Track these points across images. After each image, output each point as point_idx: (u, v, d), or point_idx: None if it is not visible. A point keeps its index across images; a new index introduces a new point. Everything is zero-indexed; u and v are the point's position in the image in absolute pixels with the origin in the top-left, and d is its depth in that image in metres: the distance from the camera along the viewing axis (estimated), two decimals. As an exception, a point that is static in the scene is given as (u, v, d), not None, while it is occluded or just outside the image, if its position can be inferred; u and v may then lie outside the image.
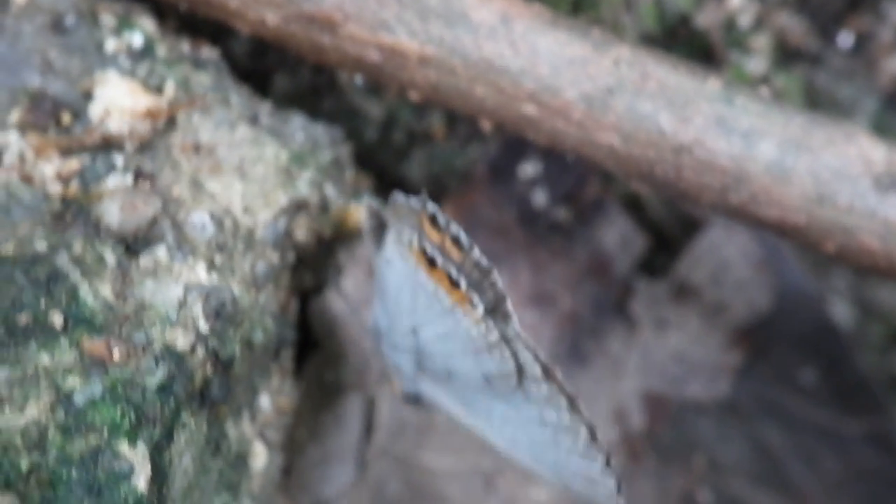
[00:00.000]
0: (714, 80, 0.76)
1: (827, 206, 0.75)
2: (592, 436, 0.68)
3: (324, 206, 0.77)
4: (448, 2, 0.75)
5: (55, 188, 0.70)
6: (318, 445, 0.81)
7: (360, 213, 0.72)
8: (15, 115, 0.72)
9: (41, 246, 0.67)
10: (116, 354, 0.65)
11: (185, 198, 0.72)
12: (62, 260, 0.67)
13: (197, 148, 0.74)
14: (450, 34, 0.75)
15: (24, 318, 0.65)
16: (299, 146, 0.77)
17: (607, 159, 0.77)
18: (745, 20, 0.89)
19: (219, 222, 0.72)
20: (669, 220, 0.90)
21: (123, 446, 0.63)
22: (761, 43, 0.89)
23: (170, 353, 0.66)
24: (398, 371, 0.74)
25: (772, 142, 0.75)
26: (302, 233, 0.76)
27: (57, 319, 0.65)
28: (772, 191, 0.75)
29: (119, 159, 0.72)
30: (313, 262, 0.80)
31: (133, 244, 0.69)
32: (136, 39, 0.77)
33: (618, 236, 0.87)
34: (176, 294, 0.68)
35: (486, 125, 0.78)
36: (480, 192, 0.86)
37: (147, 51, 0.77)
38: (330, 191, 0.78)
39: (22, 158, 0.71)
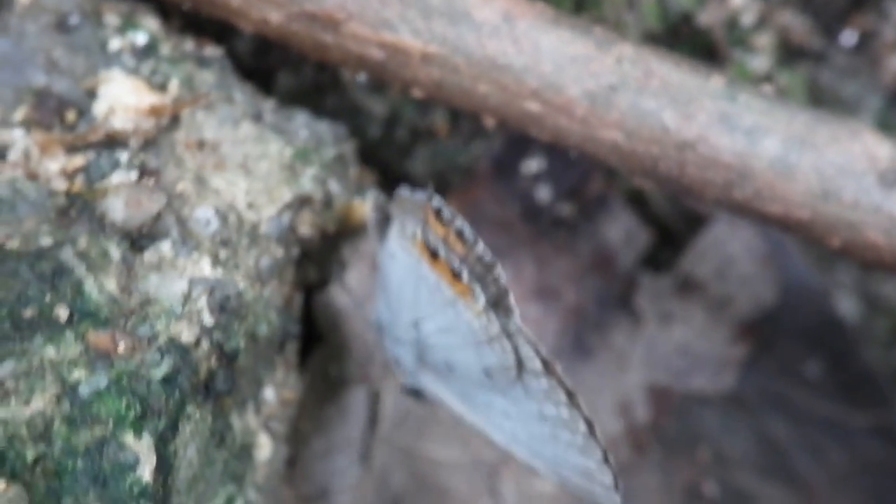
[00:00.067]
0: (717, 78, 0.76)
1: (831, 202, 0.75)
2: (591, 431, 0.68)
3: (327, 202, 0.77)
4: (451, 0, 0.76)
5: (60, 184, 0.70)
6: (322, 437, 0.81)
7: (365, 207, 0.72)
8: (20, 113, 0.73)
9: (46, 241, 0.67)
10: (121, 347, 0.65)
11: (189, 194, 0.72)
12: (67, 255, 0.67)
13: (201, 145, 0.75)
14: (453, 32, 0.75)
15: (29, 312, 0.65)
16: (303, 143, 0.78)
17: (611, 156, 0.77)
18: (748, 18, 0.89)
19: (223, 218, 0.72)
20: (673, 215, 0.90)
21: (129, 438, 0.63)
22: (764, 41, 0.89)
23: (175, 345, 0.66)
24: (399, 365, 0.74)
25: (775, 138, 0.75)
26: (306, 228, 0.76)
27: (62, 313, 0.65)
28: (776, 187, 0.75)
29: (123, 156, 0.72)
30: (317, 256, 0.80)
31: (138, 239, 0.69)
32: (140, 38, 0.78)
33: (621, 231, 0.87)
34: (181, 288, 0.68)
35: (489, 122, 0.78)
36: (484, 188, 0.86)
37: (151, 49, 0.78)
38: (334, 187, 0.78)
39: (27, 155, 0.71)
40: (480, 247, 0.68)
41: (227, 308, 0.69)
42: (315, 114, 0.81)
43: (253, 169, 0.75)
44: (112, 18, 0.78)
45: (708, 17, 0.89)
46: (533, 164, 0.87)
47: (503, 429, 0.71)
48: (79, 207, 0.70)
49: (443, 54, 0.76)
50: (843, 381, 0.86)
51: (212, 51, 0.80)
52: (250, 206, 0.73)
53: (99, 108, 0.74)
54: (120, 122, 0.73)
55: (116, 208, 0.70)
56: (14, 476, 0.62)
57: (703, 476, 0.85)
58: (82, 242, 0.68)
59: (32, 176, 0.70)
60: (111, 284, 0.67)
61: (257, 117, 0.77)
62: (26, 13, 0.76)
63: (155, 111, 0.74)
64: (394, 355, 0.74)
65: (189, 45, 0.80)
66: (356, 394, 0.82)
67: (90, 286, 0.67)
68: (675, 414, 0.86)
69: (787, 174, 0.75)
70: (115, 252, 0.68)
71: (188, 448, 0.67)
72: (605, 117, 0.76)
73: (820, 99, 0.90)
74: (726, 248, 0.87)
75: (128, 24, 0.78)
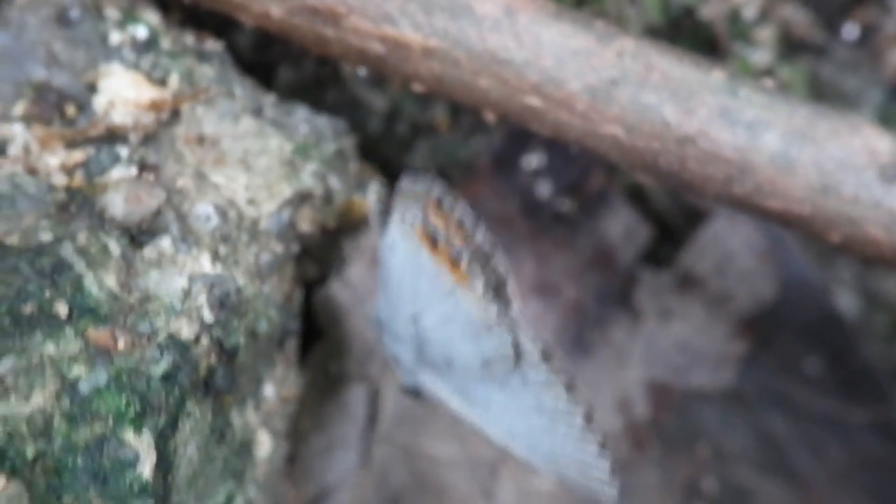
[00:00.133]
0: (718, 72, 0.76)
1: (832, 197, 0.75)
2: (589, 420, 0.68)
3: (328, 198, 0.77)
4: (452, -6, 0.76)
5: (60, 179, 0.70)
6: (322, 434, 0.81)
7: (367, 198, 0.72)
8: (20, 108, 0.73)
9: (46, 237, 0.67)
10: (121, 344, 0.65)
11: (189, 189, 0.72)
12: (67, 250, 0.67)
13: (201, 140, 0.74)
14: (454, 26, 0.75)
15: (29, 308, 0.65)
16: (303, 138, 0.77)
17: (611, 151, 0.77)
18: (749, 12, 0.89)
19: (223, 213, 0.72)
20: (673, 211, 0.90)
21: (128, 434, 0.63)
22: (766, 35, 0.89)
23: (174, 342, 0.66)
24: (398, 363, 0.74)
25: (776, 133, 0.75)
26: (306, 224, 0.76)
27: (62, 309, 0.65)
28: (776, 182, 0.75)
29: (123, 151, 0.72)
30: (317, 252, 0.80)
31: (137, 235, 0.69)
32: (141, 32, 0.78)
33: (622, 227, 0.87)
34: (180, 284, 0.68)
35: (489, 117, 0.78)
36: (484, 183, 0.86)
37: (151, 43, 0.78)
38: (334, 182, 0.78)
39: (27, 150, 0.71)
40: (481, 235, 0.68)
41: (226, 305, 0.69)
42: (315, 108, 0.81)
43: (253, 164, 0.75)
44: (112, 12, 0.78)
45: (709, 11, 0.88)
46: (533, 160, 0.87)
47: (501, 424, 0.72)
48: (79, 203, 0.70)
49: (444, 48, 0.75)
50: (842, 378, 0.86)
51: (212, 45, 0.80)
52: (250, 201, 0.73)
53: (99, 102, 0.74)
54: (120, 117, 0.73)
55: (116, 204, 0.69)
56: (14, 473, 0.62)
57: (703, 472, 0.85)
58: (82, 238, 0.68)
59: (32, 171, 0.70)
60: (111, 280, 0.67)
61: (257, 112, 0.77)
62: (26, 6, 0.76)
63: (155, 106, 0.74)
64: (393, 353, 0.74)
65: (189, 39, 0.79)
66: (356, 391, 0.82)
67: (90, 282, 0.67)
68: (674, 410, 0.86)
69: (788, 169, 0.75)
70: (115, 248, 0.68)
71: (188, 445, 0.67)
72: (605, 112, 0.75)
73: (821, 93, 0.90)
74: (726, 243, 0.87)
75: (128, 18, 0.78)
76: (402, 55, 0.76)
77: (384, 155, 0.88)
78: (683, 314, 0.87)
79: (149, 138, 0.74)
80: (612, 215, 0.87)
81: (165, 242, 0.69)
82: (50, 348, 0.64)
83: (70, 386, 0.63)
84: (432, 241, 0.68)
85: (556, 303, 0.86)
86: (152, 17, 0.79)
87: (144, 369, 0.65)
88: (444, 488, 0.83)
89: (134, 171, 0.72)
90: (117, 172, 0.71)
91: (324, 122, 0.79)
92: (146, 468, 0.63)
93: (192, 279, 0.69)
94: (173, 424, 0.65)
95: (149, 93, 0.74)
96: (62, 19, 0.76)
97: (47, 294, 0.66)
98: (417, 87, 0.77)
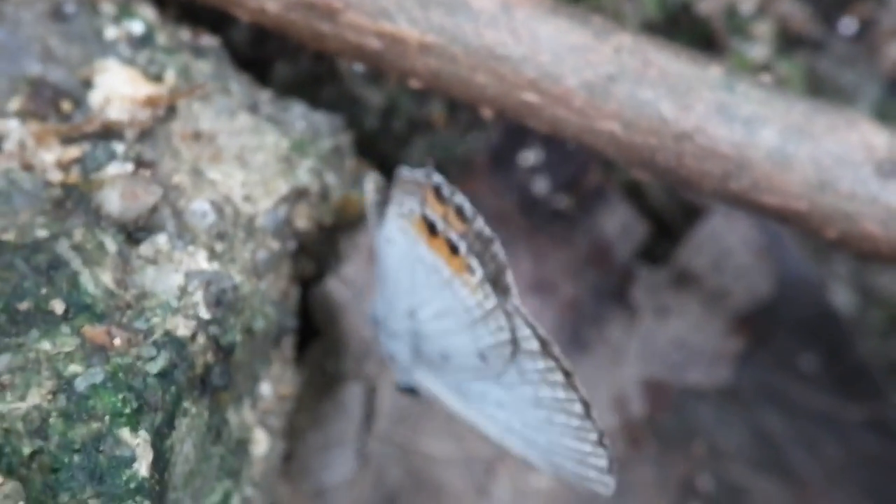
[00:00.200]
0: (715, 68, 0.76)
1: (828, 193, 0.75)
2: (587, 412, 0.68)
3: (324, 194, 0.77)
4: (448, -11, 0.76)
5: (56, 176, 0.70)
6: (319, 432, 0.81)
7: (365, 187, 0.72)
8: (15, 103, 0.72)
9: (42, 233, 0.67)
10: (117, 341, 0.65)
11: (185, 186, 0.72)
12: (63, 247, 0.67)
13: (197, 136, 0.74)
14: (450, 22, 0.75)
15: (25, 305, 0.65)
16: (300, 134, 0.77)
17: (608, 147, 0.77)
18: (746, 7, 0.89)
19: (219, 210, 0.72)
20: (670, 207, 0.90)
21: (125, 432, 0.63)
22: (763, 30, 0.89)
23: (171, 340, 0.66)
24: (394, 361, 0.74)
25: (773, 129, 0.75)
26: (302, 221, 0.76)
27: (58, 306, 0.65)
28: (773, 178, 0.75)
29: (119, 147, 0.72)
30: (314, 249, 0.80)
31: (134, 232, 0.69)
32: (136, 27, 0.77)
33: (618, 224, 0.87)
34: (177, 281, 0.68)
35: (486, 113, 0.78)
36: (481, 179, 0.86)
37: (147, 39, 0.77)
38: (330, 179, 0.78)
39: (22, 146, 0.71)
40: (479, 223, 0.68)
41: (223, 302, 0.69)
42: (312, 105, 0.81)
43: (249, 161, 0.74)
44: (108, 7, 0.78)
45: (707, 6, 0.88)
46: (530, 156, 0.87)
47: (497, 420, 0.71)
48: (74, 199, 0.70)
49: (440, 44, 0.75)
50: (838, 375, 0.86)
51: (208, 40, 0.80)
52: (246, 198, 0.73)
53: (95, 98, 0.74)
54: (116, 113, 0.73)
55: (112, 200, 0.69)
56: (10, 471, 0.62)
57: (698, 470, 0.85)
58: (78, 235, 0.68)
59: (27, 167, 0.70)
60: (107, 278, 0.67)
61: (254, 108, 0.77)
62: (21, 1, 0.76)
63: (151, 102, 0.74)
64: (389, 351, 0.74)
65: (185, 34, 0.79)
66: (353, 389, 0.82)
67: (86, 279, 0.66)
68: (670, 408, 0.86)
69: (785, 165, 0.75)
70: (111, 245, 0.68)
71: (184, 443, 0.67)
72: (602, 108, 0.75)
73: (818, 88, 0.90)
74: (723, 240, 0.87)
75: (124, 13, 0.78)
76: (398, 51, 0.76)
77: (381, 151, 0.88)
78: (680, 311, 0.87)
79: (145, 134, 0.73)
80: (609, 212, 0.87)
81: (162, 239, 0.69)
82: (46, 346, 0.64)
83: (66, 383, 0.63)
84: (430, 230, 0.68)
85: (552, 300, 0.86)
86: (148, 12, 0.79)
87: (141, 367, 0.64)
88: (440, 486, 0.83)
89: (130, 167, 0.71)
90: (113, 169, 0.71)
91: (320, 118, 0.79)
92: (142, 466, 0.63)
93: (188, 276, 0.68)
94: (170, 422, 0.65)
95: (145, 88, 0.74)
96: (57, 14, 0.76)
97: (43, 291, 0.66)
98: (414, 84, 0.77)
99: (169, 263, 0.69)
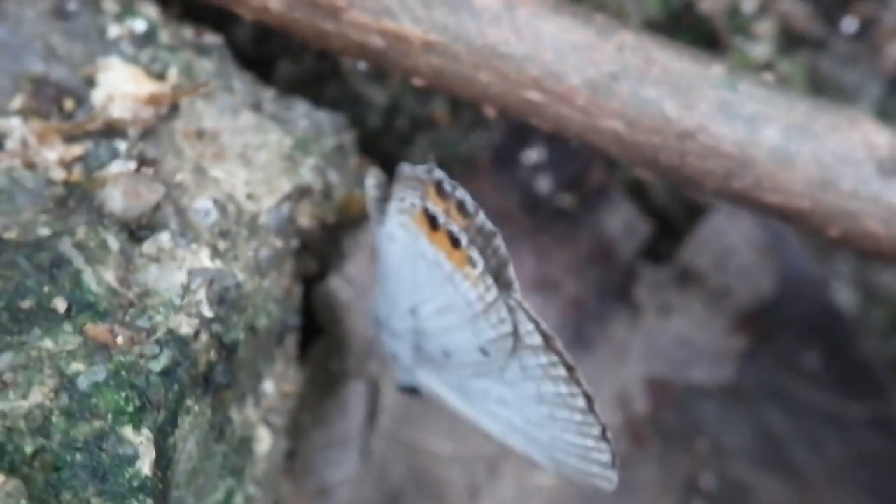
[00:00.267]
0: (718, 66, 0.76)
1: (831, 191, 0.75)
2: (590, 406, 0.68)
3: (327, 193, 0.77)
4: (452, -12, 0.76)
5: (58, 174, 0.70)
6: (322, 430, 0.81)
7: (366, 183, 0.72)
8: (18, 101, 0.72)
9: (44, 231, 0.67)
10: (120, 339, 0.65)
11: (188, 184, 0.72)
12: (65, 245, 0.67)
13: (200, 134, 0.74)
14: (454, 20, 0.75)
15: (27, 304, 0.65)
16: (303, 133, 0.77)
17: (611, 145, 0.77)
18: (748, 6, 0.89)
19: (222, 208, 0.72)
20: (673, 205, 0.91)
21: (128, 431, 0.63)
22: (765, 28, 0.89)
23: (174, 338, 0.66)
24: (396, 361, 0.74)
25: (776, 127, 0.75)
26: (306, 219, 0.76)
27: (60, 305, 0.65)
28: (776, 176, 0.75)
29: (122, 145, 0.72)
30: (317, 248, 0.80)
31: (136, 230, 0.69)
32: (139, 25, 0.77)
33: (622, 222, 0.87)
34: (180, 280, 0.68)
35: (489, 111, 0.78)
36: (484, 178, 0.86)
37: (150, 37, 0.77)
38: (334, 177, 0.78)
39: (25, 144, 0.71)
40: (481, 217, 0.68)
41: (226, 300, 0.69)
42: (315, 103, 0.81)
43: (252, 159, 0.74)
44: (110, 5, 0.78)
45: (709, 5, 0.88)
46: (533, 154, 0.87)
47: (499, 418, 0.71)
48: (77, 197, 0.70)
49: (443, 42, 0.75)
50: (841, 373, 0.87)
51: (211, 39, 0.80)
52: (250, 196, 0.73)
53: (97, 96, 0.73)
54: (118, 111, 0.73)
55: (115, 198, 0.69)
56: (13, 469, 0.62)
57: (701, 468, 0.85)
58: (80, 233, 0.68)
59: (30, 165, 0.70)
60: (110, 276, 0.67)
61: (257, 106, 0.77)
62: (24, -1, 0.76)
63: (154, 100, 0.74)
64: (391, 351, 0.74)
65: (188, 32, 0.79)
66: (356, 387, 0.82)
67: (88, 277, 0.66)
68: (673, 406, 0.86)
69: (787, 163, 0.75)
70: (114, 243, 0.68)
71: (187, 441, 0.67)
72: (605, 106, 0.75)
73: (820, 86, 0.90)
74: (725, 238, 0.87)
75: (126, 11, 0.78)
76: (401, 49, 0.76)
77: (384, 150, 0.88)
78: (683, 309, 0.87)
79: (148, 132, 0.73)
80: (612, 210, 0.87)
81: (164, 237, 0.69)
82: (48, 344, 0.64)
83: (69, 382, 0.63)
84: (431, 223, 0.67)
85: (555, 298, 0.86)
86: (151, 10, 0.78)
87: (143, 365, 0.64)
88: (444, 484, 0.83)
89: (133, 165, 0.71)
90: (116, 167, 0.71)
91: (323, 116, 0.79)
92: (145, 464, 0.63)
93: (191, 274, 0.68)
94: (172, 420, 0.65)
95: (147, 87, 0.74)
96: (60, 12, 0.76)
97: (46, 289, 0.66)
98: (417, 82, 0.77)
99: (172, 261, 0.69)
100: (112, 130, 0.73)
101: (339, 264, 0.81)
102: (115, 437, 0.63)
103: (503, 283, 0.68)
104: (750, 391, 0.86)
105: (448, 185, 0.68)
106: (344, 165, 0.79)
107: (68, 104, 0.73)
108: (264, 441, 0.75)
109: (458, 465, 0.83)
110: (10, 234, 0.67)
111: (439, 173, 0.68)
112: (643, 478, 0.85)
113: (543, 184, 0.87)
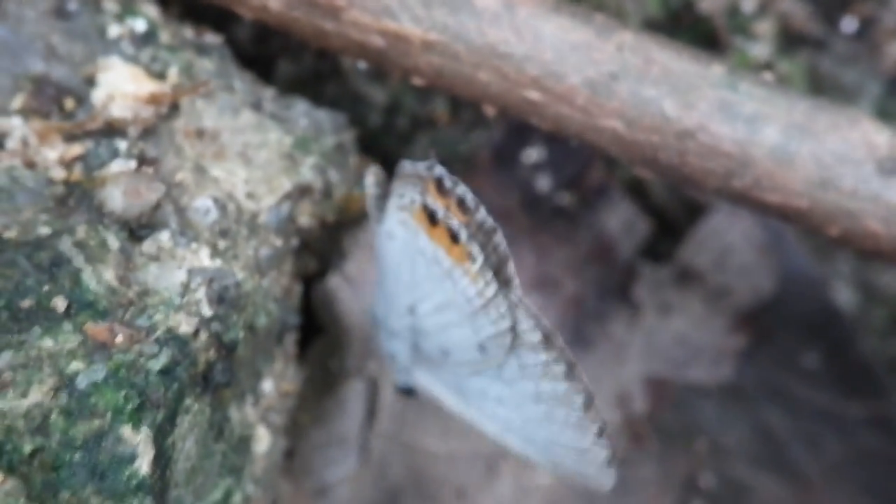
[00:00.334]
0: (718, 66, 0.76)
1: (830, 191, 0.75)
2: (588, 404, 0.68)
3: (327, 192, 0.77)
4: (451, -12, 0.76)
5: (58, 173, 0.70)
6: (321, 429, 0.81)
7: (366, 181, 0.72)
8: (18, 101, 0.72)
9: (44, 230, 0.67)
10: (119, 338, 0.65)
11: (188, 183, 0.72)
12: (65, 245, 0.67)
13: (200, 133, 0.74)
14: (453, 20, 0.75)
15: (27, 303, 0.65)
16: (303, 132, 0.77)
17: (611, 144, 0.77)
18: (748, 5, 0.89)
19: (222, 207, 0.72)
20: (673, 205, 0.91)
21: (126, 430, 0.63)
22: (765, 28, 0.89)
23: (173, 337, 0.66)
24: (394, 361, 0.74)
25: (775, 127, 0.75)
26: (305, 218, 0.76)
27: (60, 304, 0.65)
28: (775, 175, 0.75)
29: (122, 144, 0.72)
30: (317, 247, 0.80)
31: (136, 229, 0.69)
32: (140, 25, 0.77)
33: (621, 221, 0.87)
34: (179, 279, 0.68)
35: (489, 111, 0.78)
36: (484, 177, 0.86)
37: (150, 36, 0.77)
38: (334, 176, 0.78)
39: (25, 143, 0.71)
40: (482, 213, 0.68)
41: (225, 299, 0.69)
42: (315, 102, 0.81)
43: (252, 158, 0.74)
44: (111, 5, 0.78)
45: (709, 5, 0.88)
46: (533, 153, 0.87)
47: (497, 418, 0.71)
48: (77, 196, 0.70)
49: (443, 42, 0.75)
50: (840, 372, 0.87)
51: (211, 38, 0.80)
52: (249, 195, 0.73)
53: (98, 95, 0.74)
54: (119, 110, 0.73)
55: (115, 197, 0.69)
56: (11, 469, 0.62)
57: (701, 467, 0.85)
58: (80, 232, 0.68)
59: (30, 164, 0.70)
60: (109, 275, 0.67)
61: (257, 106, 0.77)
62: (25, -1, 0.76)
63: (154, 99, 0.74)
64: (389, 351, 0.74)
65: (188, 32, 0.79)
66: (355, 386, 0.82)
67: (88, 276, 0.66)
68: (672, 405, 0.86)
69: (787, 163, 0.75)
70: (114, 242, 0.68)
71: (186, 440, 0.67)
72: (605, 106, 0.75)
73: (820, 86, 0.90)
74: (725, 237, 0.87)
75: (127, 11, 0.78)
76: (401, 49, 0.76)
77: (384, 149, 0.88)
78: (682, 308, 0.87)
79: (148, 132, 0.73)
80: (612, 209, 0.87)
81: (164, 236, 0.69)
82: (48, 343, 0.64)
83: (68, 381, 0.63)
84: (431, 219, 0.67)
85: (555, 297, 0.86)
86: (151, 10, 0.79)
87: (143, 364, 0.64)
88: (442, 483, 0.83)
89: (133, 164, 0.71)
90: (116, 166, 0.71)
91: (323, 115, 0.79)
92: (144, 463, 0.63)
93: (191, 273, 0.68)
94: (172, 419, 0.65)
95: (148, 86, 0.74)
96: (60, 12, 0.76)
97: (45, 288, 0.66)
98: (417, 81, 0.77)
99: (171, 260, 0.69)
100: (112, 130, 0.73)
101: (339, 263, 0.81)
102: (114, 436, 0.63)
103: (503, 280, 0.68)
104: (749, 390, 0.86)
105: (449, 182, 0.68)
106: (344, 164, 0.79)
107: (69, 104, 0.73)
108: (263, 440, 0.75)
109: (457, 464, 0.83)
110: (11, 233, 0.67)
111: (440, 170, 0.68)
112: (642, 477, 0.85)
113: (543, 183, 0.87)
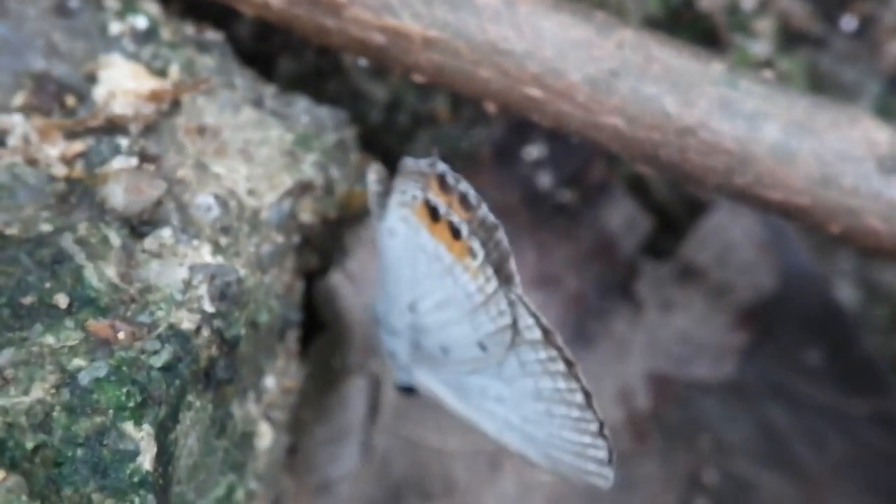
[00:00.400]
0: (718, 63, 0.76)
1: (831, 188, 0.75)
2: (588, 402, 0.68)
3: (329, 188, 0.77)
4: (452, -15, 0.76)
5: (60, 170, 0.70)
6: (323, 425, 0.81)
7: (367, 178, 0.72)
8: (19, 98, 0.73)
9: (46, 227, 0.67)
10: (122, 335, 0.65)
11: (190, 180, 0.72)
12: (67, 241, 0.67)
13: (202, 130, 0.74)
14: (454, 17, 0.75)
15: (29, 300, 0.65)
16: (304, 128, 0.77)
17: (612, 141, 0.77)
18: (748, 3, 0.89)
19: (224, 204, 0.72)
20: (674, 202, 0.91)
21: (129, 426, 0.63)
22: (765, 26, 0.89)
23: (175, 333, 0.66)
24: (394, 359, 0.74)
25: (776, 124, 0.75)
26: (307, 215, 0.76)
27: (62, 301, 0.65)
28: (776, 173, 0.75)
29: (124, 142, 0.72)
30: (318, 243, 0.80)
31: (138, 226, 0.69)
32: (141, 22, 0.77)
33: (623, 218, 0.87)
34: (181, 275, 0.68)
35: (490, 107, 0.78)
36: (485, 174, 0.86)
37: (151, 34, 0.77)
38: (335, 173, 0.78)
39: (27, 141, 0.71)
40: (484, 210, 0.68)
41: (227, 295, 0.69)
42: (316, 99, 0.81)
43: (254, 155, 0.74)
44: (112, 2, 0.78)
45: (709, 2, 0.88)
46: (534, 150, 0.87)
47: (496, 416, 0.71)
48: (79, 193, 0.70)
49: (444, 39, 0.75)
50: (842, 369, 0.87)
51: (212, 35, 0.80)
52: (251, 192, 0.73)
53: (99, 92, 0.74)
54: (120, 108, 0.73)
55: (116, 194, 0.69)
56: (13, 465, 0.61)
57: (703, 464, 0.85)
58: (82, 229, 0.68)
59: (32, 161, 0.70)
60: (111, 272, 0.67)
61: (258, 103, 0.77)
62: (25, -4, 0.76)
63: (155, 96, 0.74)
64: (389, 349, 0.74)
65: (189, 29, 0.79)
66: (357, 382, 0.82)
67: (90, 273, 0.66)
68: (675, 402, 0.86)
69: (788, 160, 0.75)
70: (116, 239, 0.68)
71: (188, 437, 0.67)
72: (606, 103, 0.75)
73: (820, 84, 0.90)
74: (727, 234, 0.87)
75: (128, 8, 0.78)
76: (402, 46, 0.76)
77: (385, 146, 0.88)
78: (684, 305, 0.87)
79: (149, 129, 0.73)
80: (613, 206, 0.87)
81: (166, 233, 0.69)
82: (50, 340, 0.64)
83: (70, 377, 0.63)
84: (432, 215, 0.67)
85: (557, 294, 0.86)
86: (152, 7, 0.79)
87: (145, 360, 0.64)
88: (445, 480, 0.83)
89: (134, 161, 0.71)
90: (118, 163, 0.71)
91: (324, 112, 0.79)
92: (146, 460, 0.63)
93: (192, 270, 0.68)
94: (174, 416, 0.65)
95: (149, 83, 0.74)
96: (61, 9, 0.76)
97: (47, 285, 0.66)
98: (418, 78, 0.77)
99: (173, 257, 0.69)
100: (113, 127, 0.73)
101: (341, 260, 0.81)
102: (116, 432, 0.62)
103: (504, 277, 0.68)
104: (751, 387, 0.86)
105: (451, 178, 0.68)
106: (345, 161, 0.79)
107: (70, 101, 0.73)
108: (265, 436, 0.75)
109: (460, 461, 0.83)
110: (12, 231, 0.67)
111: (442, 166, 0.68)
112: (645, 474, 0.85)
113: (544, 180, 0.87)
